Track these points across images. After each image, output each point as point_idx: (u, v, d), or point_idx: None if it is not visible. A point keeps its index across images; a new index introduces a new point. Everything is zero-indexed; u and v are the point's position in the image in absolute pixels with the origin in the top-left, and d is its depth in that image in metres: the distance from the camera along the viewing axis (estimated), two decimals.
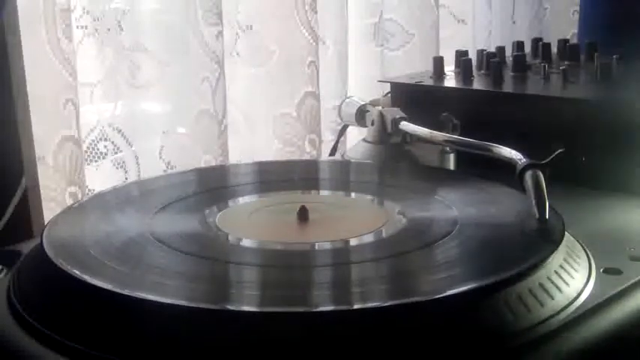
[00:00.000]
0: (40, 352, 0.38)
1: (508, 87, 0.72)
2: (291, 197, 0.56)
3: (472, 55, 0.79)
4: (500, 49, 0.83)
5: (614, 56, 0.74)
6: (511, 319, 0.38)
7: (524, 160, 0.52)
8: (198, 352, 0.36)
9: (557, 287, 0.41)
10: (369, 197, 0.56)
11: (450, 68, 0.79)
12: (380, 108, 0.70)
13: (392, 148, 0.69)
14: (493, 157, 0.57)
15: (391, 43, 1.16)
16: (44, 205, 0.75)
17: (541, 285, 0.41)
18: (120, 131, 0.86)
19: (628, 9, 1.06)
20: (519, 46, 0.85)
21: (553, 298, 0.41)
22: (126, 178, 0.86)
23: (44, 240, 0.45)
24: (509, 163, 0.54)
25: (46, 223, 0.53)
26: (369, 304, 0.39)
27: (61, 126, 0.78)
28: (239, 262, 0.45)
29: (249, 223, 0.51)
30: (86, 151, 0.83)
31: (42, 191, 0.74)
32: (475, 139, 0.60)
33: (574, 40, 1.05)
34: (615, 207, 0.57)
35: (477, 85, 0.74)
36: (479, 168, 0.59)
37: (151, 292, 0.39)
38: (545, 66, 0.75)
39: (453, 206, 0.52)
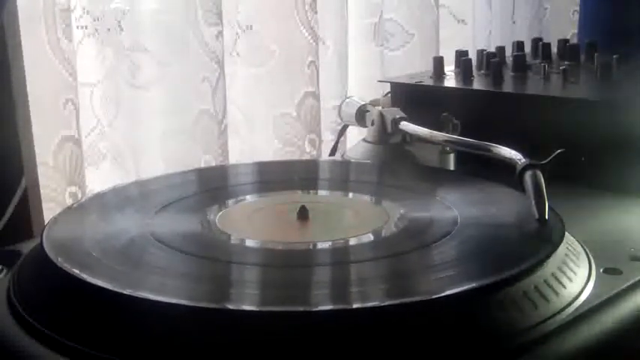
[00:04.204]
0: (40, 352, 0.38)
1: (508, 87, 0.72)
2: (291, 197, 0.56)
3: (472, 55, 0.79)
4: (500, 49, 0.83)
5: (614, 56, 0.74)
6: (510, 319, 0.38)
7: (524, 160, 0.52)
8: (198, 352, 0.36)
9: (557, 287, 0.41)
10: (368, 197, 0.56)
11: (450, 68, 0.79)
12: (380, 108, 0.70)
13: (392, 148, 0.69)
14: (493, 157, 0.57)
15: (391, 43, 1.16)
16: (44, 205, 0.75)
17: (541, 285, 0.41)
18: (120, 131, 0.86)
19: (628, 9, 1.06)
20: (519, 46, 0.85)
21: (553, 299, 0.40)
22: (126, 179, 0.86)
23: (44, 240, 0.45)
24: (509, 163, 0.54)
25: (46, 223, 0.53)
26: (369, 304, 0.39)
27: (61, 126, 0.78)
28: (239, 262, 0.45)
29: (249, 223, 0.51)
30: (86, 151, 0.83)
31: (42, 191, 0.74)
32: (475, 139, 0.60)
33: (574, 40, 1.05)
34: (615, 207, 0.57)
35: (477, 85, 0.74)
36: (479, 168, 0.59)
37: (151, 292, 0.39)
38: (545, 66, 0.75)
39: (453, 206, 0.52)
